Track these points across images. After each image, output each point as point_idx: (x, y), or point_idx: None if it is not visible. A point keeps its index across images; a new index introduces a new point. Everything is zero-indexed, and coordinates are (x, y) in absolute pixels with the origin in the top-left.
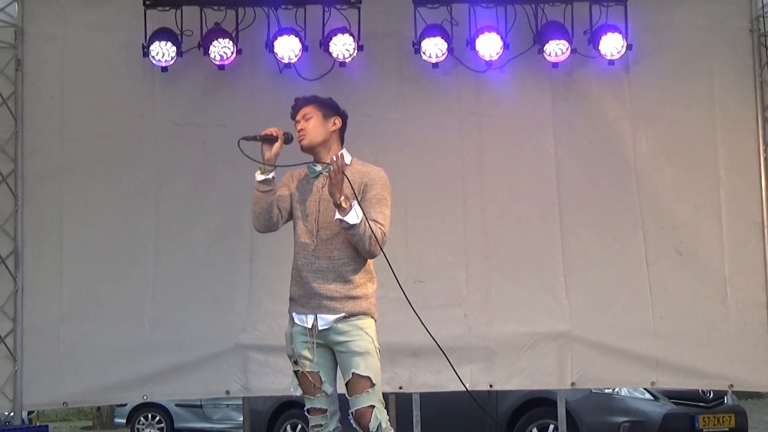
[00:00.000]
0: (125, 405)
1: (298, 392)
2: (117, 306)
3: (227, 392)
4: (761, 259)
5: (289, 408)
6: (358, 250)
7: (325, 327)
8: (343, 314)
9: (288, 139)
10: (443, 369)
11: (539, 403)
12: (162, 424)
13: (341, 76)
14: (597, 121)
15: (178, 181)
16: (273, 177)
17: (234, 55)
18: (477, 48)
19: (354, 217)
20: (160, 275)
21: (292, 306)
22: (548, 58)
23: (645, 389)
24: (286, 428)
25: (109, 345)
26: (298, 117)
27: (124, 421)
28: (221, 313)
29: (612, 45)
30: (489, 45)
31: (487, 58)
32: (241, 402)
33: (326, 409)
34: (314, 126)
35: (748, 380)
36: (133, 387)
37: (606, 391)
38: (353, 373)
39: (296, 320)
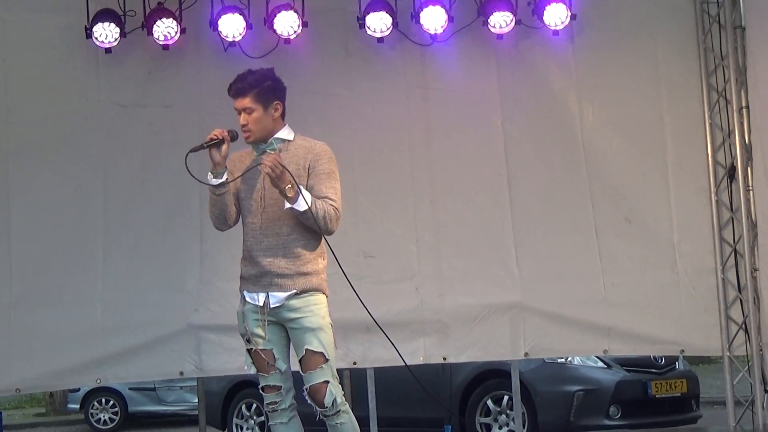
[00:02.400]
0: (78, 390)
1: (252, 370)
2: (67, 290)
3: (181, 373)
4: (709, 225)
5: (243, 387)
6: (315, 230)
7: (277, 305)
8: (294, 291)
9: (234, 137)
10: (397, 343)
11: (493, 375)
12: (116, 409)
13: (286, 53)
14: (543, 92)
15: (126, 162)
16: (227, 178)
17: (178, 34)
18: (422, 21)
19: (303, 203)
20: (110, 257)
21: (243, 285)
22: (493, 29)
23: (597, 357)
24: (241, 408)
25: (61, 329)
26: (238, 107)
27: (78, 406)
28: (173, 293)
29: (556, 15)
30: (433, 18)
31: (432, 32)
32: (195, 384)
33: (281, 387)
34: (257, 120)
35: (698, 345)
36: (86, 371)
37: (559, 360)
38: (306, 350)
39: (248, 299)
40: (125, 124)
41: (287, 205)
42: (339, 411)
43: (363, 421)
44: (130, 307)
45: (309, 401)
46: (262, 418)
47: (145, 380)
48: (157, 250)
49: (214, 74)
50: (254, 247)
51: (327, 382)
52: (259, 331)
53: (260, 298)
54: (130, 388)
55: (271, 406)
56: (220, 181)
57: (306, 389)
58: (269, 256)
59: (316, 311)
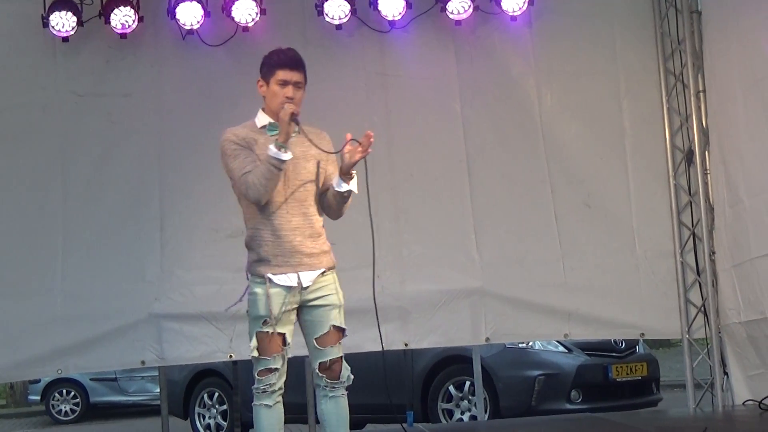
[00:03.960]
0: (39, 381)
1: (255, 354)
2: (27, 280)
3: (142, 362)
4: (668, 208)
5: (205, 377)
6: (335, 212)
7: (309, 284)
8: (322, 269)
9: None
10: (358, 330)
11: (455, 361)
12: (77, 399)
13: (245, 40)
14: (502, 78)
15: (85, 152)
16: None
17: (135, 23)
18: (380, 8)
19: (355, 185)
20: (69, 247)
21: (266, 267)
22: (451, 15)
23: (558, 342)
24: (203, 397)
25: (21, 320)
26: (292, 79)
27: (39, 398)
28: (133, 283)
29: (514, 1)
30: (392, 5)
31: (390, 18)
32: (156, 373)
33: (279, 369)
34: (301, 98)
35: (658, 328)
36: (46, 362)
37: (520, 345)
38: (332, 326)
39: (275, 281)
40: (83, 114)
41: (345, 187)
42: (346, 385)
43: None
44: (91, 297)
45: (321, 376)
46: (225, 407)
47: (107, 370)
48: (117, 239)
49: (172, 62)
50: (282, 227)
51: (342, 357)
52: (282, 314)
53: (292, 279)
54: (91, 379)
55: (263, 387)
56: (289, 156)
57: (324, 363)
58: (299, 236)
59: (338, 288)
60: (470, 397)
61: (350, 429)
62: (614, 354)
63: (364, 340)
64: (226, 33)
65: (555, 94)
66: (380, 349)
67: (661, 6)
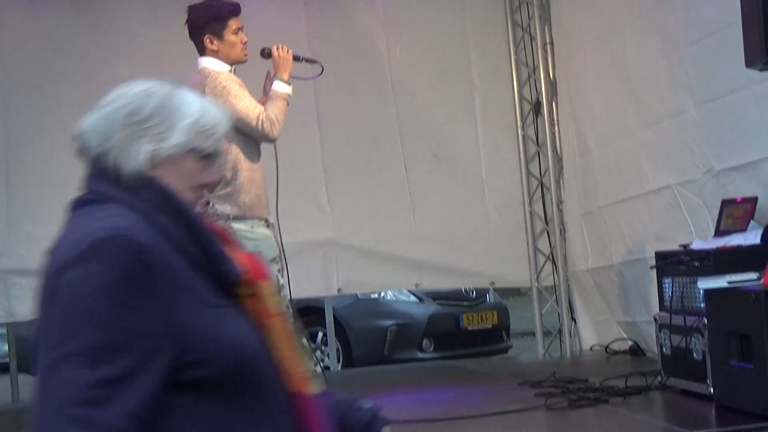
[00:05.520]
0: None
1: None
2: None
3: None
4: (516, 159)
5: None
6: None
7: None
8: None
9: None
10: None
11: (307, 312)
12: None
13: None
14: (351, 31)
15: None
16: None
17: None
18: None
19: None
20: None
21: (263, 209)
22: None
23: (410, 292)
24: None
25: None
26: (241, 25)
27: None
28: None
29: None
30: None
31: None
32: (4, 331)
33: None
34: None
35: (508, 277)
36: None
37: (372, 296)
38: None
39: (271, 221)
40: None
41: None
42: None
43: None
44: None
45: None
46: None
47: None
48: None
49: (15, 13)
50: (262, 169)
51: None
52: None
53: (272, 220)
54: None
55: None
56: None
57: None
58: None
59: None
60: (323, 347)
61: None
62: (465, 303)
63: None
64: None
65: (404, 47)
66: None
67: None
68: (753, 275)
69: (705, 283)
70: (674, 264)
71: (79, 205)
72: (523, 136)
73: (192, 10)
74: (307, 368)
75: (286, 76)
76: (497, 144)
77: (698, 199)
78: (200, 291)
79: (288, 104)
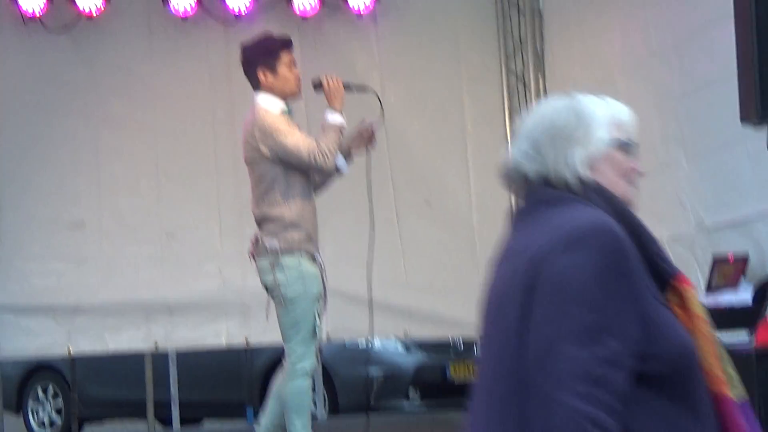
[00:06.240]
0: None
1: (322, 333)
2: None
3: None
4: (508, 208)
5: (40, 371)
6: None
7: None
8: None
9: None
10: (199, 324)
11: None
12: None
13: (89, 29)
14: (347, 73)
15: None
16: None
17: None
18: (226, 0)
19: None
20: None
21: (312, 246)
22: (297, 10)
23: (398, 340)
24: (37, 391)
25: None
26: (294, 59)
27: None
28: None
29: None
30: None
31: (236, 11)
32: None
33: None
34: None
35: None
36: None
37: (359, 343)
38: None
39: (318, 259)
40: None
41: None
42: None
43: (164, 405)
44: None
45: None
46: (60, 403)
47: None
48: None
49: (12, 49)
50: (315, 207)
51: None
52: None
53: (319, 258)
54: None
55: (314, 364)
56: None
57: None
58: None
59: None
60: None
61: (186, 424)
62: (453, 353)
63: (206, 335)
64: (70, 20)
65: (399, 91)
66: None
67: (504, 6)
68: (744, 335)
69: None
70: None
71: (545, 204)
72: None
73: (245, 46)
74: (729, 374)
75: (338, 107)
76: (489, 192)
77: (689, 253)
78: (652, 286)
79: (342, 134)
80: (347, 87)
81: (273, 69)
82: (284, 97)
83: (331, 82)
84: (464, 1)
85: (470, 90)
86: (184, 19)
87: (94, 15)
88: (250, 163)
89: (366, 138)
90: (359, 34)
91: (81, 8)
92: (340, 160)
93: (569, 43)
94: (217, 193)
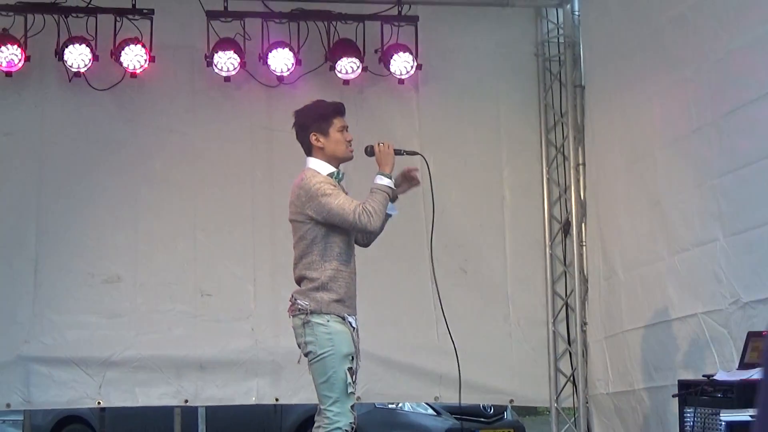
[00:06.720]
0: None
1: (351, 389)
2: None
3: (8, 405)
4: (543, 278)
5: (70, 423)
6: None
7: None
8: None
9: None
10: (229, 382)
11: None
12: None
13: (132, 87)
14: (386, 139)
15: None
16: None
17: (22, 62)
18: (269, 63)
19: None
20: None
21: (343, 308)
22: (339, 75)
23: (428, 404)
24: None
25: None
26: (346, 124)
27: None
28: (3, 324)
29: (402, 64)
30: (281, 60)
31: (279, 73)
32: (20, 418)
33: None
34: None
35: (527, 396)
36: None
37: (390, 406)
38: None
39: (351, 321)
40: None
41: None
42: None
43: None
44: None
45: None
46: None
47: None
48: None
49: (57, 104)
50: (354, 270)
51: None
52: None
53: (354, 322)
54: None
55: (352, 422)
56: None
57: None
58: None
59: None
60: None
61: None
62: (483, 419)
63: (236, 394)
64: (114, 78)
65: (438, 159)
66: (252, 402)
67: (546, 78)
68: None
69: (728, 416)
70: (697, 394)
71: None
72: (551, 255)
73: (298, 111)
74: None
75: (388, 170)
76: (524, 261)
77: (724, 329)
78: None
79: (389, 198)
80: (398, 152)
81: (325, 133)
82: (336, 160)
83: (382, 148)
84: (506, 71)
85: (509, 159)
86: (227, 80)
87: (138, 73)
88: (294, 223)
89: (409, 179)
90: (400, 100)
91: (125, 66)
92: (391, 209)
93: (609, 117)
94: (252, 253)
